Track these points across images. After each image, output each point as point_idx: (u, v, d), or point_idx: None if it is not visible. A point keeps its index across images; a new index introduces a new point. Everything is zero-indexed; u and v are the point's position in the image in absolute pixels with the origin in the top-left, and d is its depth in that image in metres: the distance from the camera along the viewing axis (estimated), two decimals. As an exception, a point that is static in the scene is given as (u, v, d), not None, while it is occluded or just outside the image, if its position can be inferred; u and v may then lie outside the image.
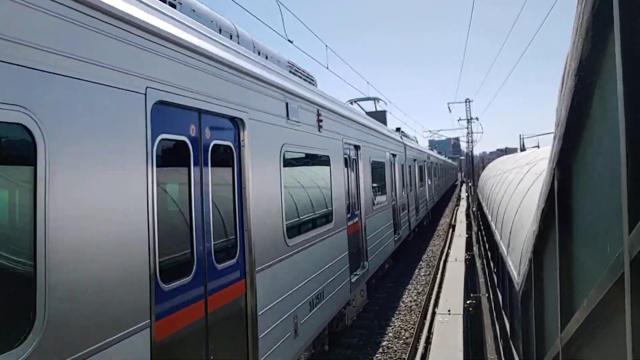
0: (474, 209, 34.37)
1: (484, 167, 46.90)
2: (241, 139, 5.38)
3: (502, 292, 10.87)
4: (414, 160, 21.64)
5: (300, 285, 6.86)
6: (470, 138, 59.40)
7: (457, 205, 42.91)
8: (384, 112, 20.02)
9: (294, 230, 6.80)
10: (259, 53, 7.26)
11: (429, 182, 28.58)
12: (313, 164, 8.11)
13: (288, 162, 6.74)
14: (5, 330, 2.58)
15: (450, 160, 61.75)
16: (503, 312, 10.24)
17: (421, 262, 19.60)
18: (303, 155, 7.52)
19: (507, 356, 8.80)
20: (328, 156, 8.62)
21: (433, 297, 13.32)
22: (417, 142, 30.50)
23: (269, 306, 5.78)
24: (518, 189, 10.19)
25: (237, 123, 5.34)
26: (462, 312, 10.21)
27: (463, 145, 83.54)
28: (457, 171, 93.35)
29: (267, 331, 5.65)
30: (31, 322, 2.65)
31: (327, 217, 8.46)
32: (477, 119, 60.02)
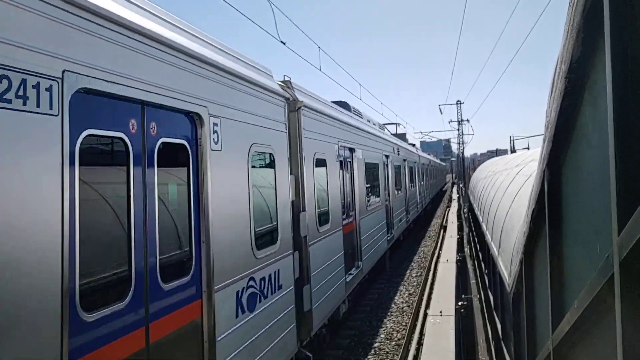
0: (465, 210, 34.54)
1: (475, 169, 47.16)
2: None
3: (493, 293, 10.92)
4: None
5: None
6: (461, 140, 59.69)
7: (449, 206, 43.08)
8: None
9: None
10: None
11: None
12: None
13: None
14: None
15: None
16: (494, 313, 10.29)
17: (412, 263, 19.63)
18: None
19: (499, 357, 8.84)
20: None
21: (425, 298, 13.35)
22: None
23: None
24: (508, 190, 10.25)
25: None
26: (453, 314, 10.24)
27: (454, 147, 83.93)
28: (446, 172, 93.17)
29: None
30: None
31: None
32: (468, 120, 60.38)
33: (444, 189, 73.10)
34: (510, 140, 39.00)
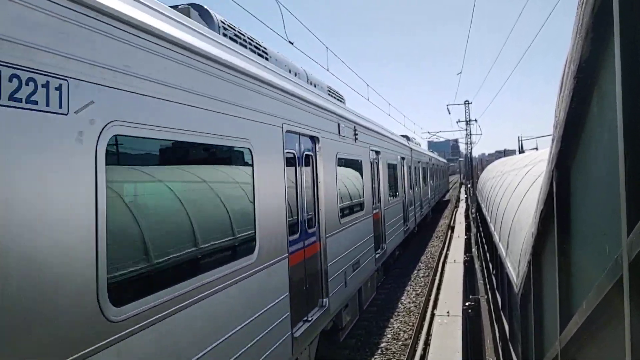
0: (472, 210, 34.38)
1: (482, 169, 46.91)
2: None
3: (501, 294, 10.86)
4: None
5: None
6: (469, 140, 59.39)
7: (456, 206, 42.91)
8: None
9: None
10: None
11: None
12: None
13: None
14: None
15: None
16: (502, 314, 10.24)
17: (420, 264, 19.60)
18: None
19: (506, 358, 8.79)
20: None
21: (432, 298, 13.33)
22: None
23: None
24: (517, 190, 10.18)
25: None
26: (461, 314, 10.21)
27: (462, 147, 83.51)
28: (450, 172, 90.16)
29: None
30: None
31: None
32: (476, 120, 59.97)
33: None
34: (519, 140, 38.82)
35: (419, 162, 23.84)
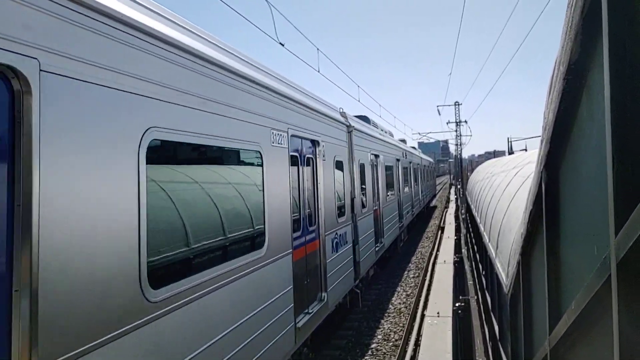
0: (462, 211, 34.56)
1: (472, 170, 47.14)
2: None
3: (490, 294, 10.92)
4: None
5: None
6: (459, 141, 59.70)
7: (446, 207, 43.11)
8: None
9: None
10: None
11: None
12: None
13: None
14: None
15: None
16: (492, 314, 10.29)
17: (410, 264, 19.66)
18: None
19: (496, 358, 8.84)
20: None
21: (422, 299, 13.36)
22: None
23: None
24: (506, 191, 10.25)
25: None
26: (451, 315, 10.25)
27: (452, 148, 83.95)
28: (443, 172, 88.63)
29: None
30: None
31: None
32: (465, 121, 60.31)
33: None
34: (508, 141, 39.07)
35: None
